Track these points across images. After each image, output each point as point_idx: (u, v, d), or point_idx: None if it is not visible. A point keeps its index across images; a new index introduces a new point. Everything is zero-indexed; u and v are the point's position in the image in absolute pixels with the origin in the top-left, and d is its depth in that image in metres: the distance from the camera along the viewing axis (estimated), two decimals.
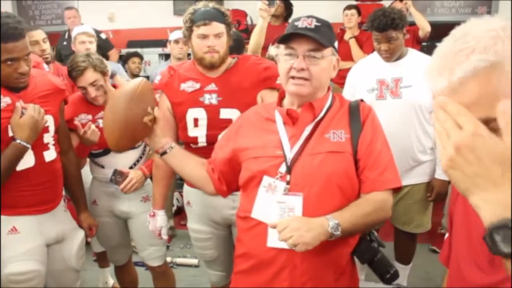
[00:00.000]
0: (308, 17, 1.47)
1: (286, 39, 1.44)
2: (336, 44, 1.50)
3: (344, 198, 1.42)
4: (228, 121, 1.96)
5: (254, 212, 1.49)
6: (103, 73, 2.29)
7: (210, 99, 2.01)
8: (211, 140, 2.00)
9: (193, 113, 2.03)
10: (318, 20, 1.46)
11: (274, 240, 1.40)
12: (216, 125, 1.99)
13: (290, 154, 1.46)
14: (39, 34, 3.09)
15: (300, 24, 1.45)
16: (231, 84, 2.01)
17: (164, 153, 1.63)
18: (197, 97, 2.02)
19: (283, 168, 1.45)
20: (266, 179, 1.47)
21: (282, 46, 1.47)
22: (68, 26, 4.72)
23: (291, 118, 1.51)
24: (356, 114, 1.49)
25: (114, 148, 1.69)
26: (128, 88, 1.63)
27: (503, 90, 0.72)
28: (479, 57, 0.73)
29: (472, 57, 0.74)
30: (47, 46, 3.11)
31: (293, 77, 1.44)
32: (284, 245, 1.35)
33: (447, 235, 1.15)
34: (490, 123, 0.70)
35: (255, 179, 1.50)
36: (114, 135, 1.60)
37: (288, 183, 1.44)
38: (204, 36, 1.95)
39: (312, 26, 1.44)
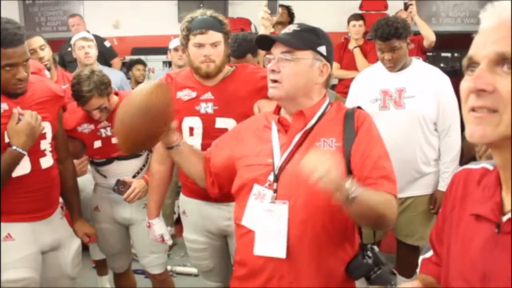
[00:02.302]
0: (294, 24, 1.51)
1: (269, 46, 1.49)
2: (322, 48, 1.47)
3: (332, 208, 1.37)
4: (224, 131, 1.94)
5: (244, 219, 1.49)
6: (108, 93, 2.28)
7: (206, 108, 1.99)
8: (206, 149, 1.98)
9: (188, 121, 2.01)
10: (300, 25, 1.49)
11: (260, 248, 1.41)
12: (211, 134, 1.97)
13: (278, 163, 1.44)
14: (36, 42, 2.93)
15: (283, 31, 1.49)
16: (227, 93, 1.99)
17: (170, 148, 1.60)
18: (193, 105, 2.01)
19: (271, 177, 1.44)
20: (256, 187, 1.46)
21: None
22: (73, 33, 4.73)
23: (283, 126, 1.50)
24: (350, 121, 1.45)
25: (126, 153, 1.69)
26: (146, 100, 1.49)
27: None
28: None
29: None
30: (45, 53, 2.97)
31: (270, 81, 1.47)
32: (270, 254, 1.38)
33: (430, 253, 1.13)
34: (508, 62, 0.77)
35: (246, 187, 1.49)
36: (133, 145, 1.56)
37: (275, 191, 1.42)
38: (200, 45, 1.94)
39: (290, 31, 1.46)
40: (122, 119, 1.51)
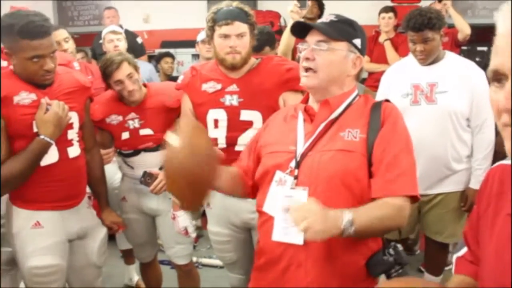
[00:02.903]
0: (331, 14, 1.49)
1: (303, 34, 1.48)
2: (357, 41, 1.46)
3: (353, 198, 1.37)
4: (248, 123, 1.94)
5: (265, 206, 1.48)
6: (136, 68, 2.32)
7: (231, 100, 1.99)
8: (231, 142, 1.98)
9: (213, 114, 2.01)
10: (337, 16, 1.48)
11: (278, 234, 1.41)
12: (236, 126, 1.97)
13: (301, 150, 1.44)
14: (61, 34, 3.01)
15: (319, 20, 1.50)
16: (252, 85, 1.98)
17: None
18: (218, 98, 2.00)
19: (293, 163, 1.44)
20: (278, 174, 1.46)
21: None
22: (106, 25, 4.81)
23: (309, 115, 1.50)
24: (377, 114, 1.43)
25: (190, 209, 1.59)
26: (186, 143, 1.39)
27: None
28: None
29: None
30: (69, 45, 3.06)
31: (303, 69, 1.46)
32: (289, 240, 1.38)
33: (463, 250, 1.10)
34: None
35: (269, 174, 1.49)
36: (193, 199, 1.45)
37: (296, 177, 1.42)
38: (226, 36, 1.93)
39: (327, 21, 1.46)
40: (171, 169, 1.40)
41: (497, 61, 0.74)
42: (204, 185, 1.42)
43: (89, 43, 5.16)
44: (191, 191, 1.39)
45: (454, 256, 1.15)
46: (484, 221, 0.96)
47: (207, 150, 1.41)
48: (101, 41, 4.13)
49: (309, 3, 2.50)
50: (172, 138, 1.39)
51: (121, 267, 3.27)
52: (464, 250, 1.12)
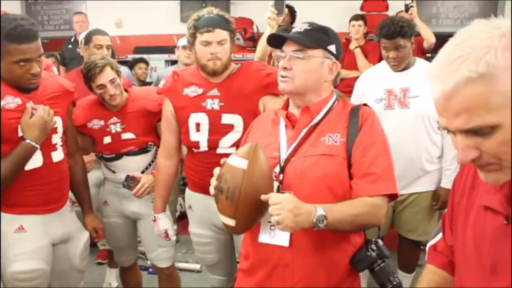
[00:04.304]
0: (304, 23, 1.52)
1: (280, 44, 1.52)
2: (332, 47, 1.51)
3: (336, 200, 1.42)
4: (229, 127, 1.99)
5: None
6: (118, 73, 2.34)
7: (212, 104, 2.03)
8: (212, 145, 2.03)
9: (195, 117, 2.04)
10: (311, 24, 1.51)
11: (265, 236, 1.46)
12: (217, 130, 2.01)
13: (284, 155, 1.48)
14: (105, 40, 3.03)
15: (294, 29, 1.52)
16: (233, 89, 2.03)
17: None
18: (199, 102, 2.04)
19: (277, 169, 1.48)
20: None
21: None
22: (76, 30, 4.77)
23: (290, 121, 1.54)
24: (355, 118, 1.49)
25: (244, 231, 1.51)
26: (265, 170, 1.40)
27: (496, 100, 0.74)
28: (469, 67, 0.74)
29: (463, 67, 0.74)
30: (108, 52, 3.03)
31: (281, 77, 1.50)
32: (274, 242, 1.43)
33: (437, 238, 1.17)
34: (480, 131, 0.76)
35: None
36: (256, 220, 1.43)
37: (281, 182, 1.46)
38: (207, 43, 1.97)
39: (301, 30, 1.49)
40: (244, 194, 1.35)
41: (443, 122, 0.82)
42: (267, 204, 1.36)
43: (59, 48, 5.09)
44: (259, 213, 1.37)
45: (428, 245, 1.22)
46: (457, 212, 1.03)
47: (270, 170, 1.43)
48: (70, 46, 4.08)
49: (286, 10, 2.55)
50: (239, 162, 1.36)
51: (96, 273, 3.25)
52: (438, 237, 1.18)
